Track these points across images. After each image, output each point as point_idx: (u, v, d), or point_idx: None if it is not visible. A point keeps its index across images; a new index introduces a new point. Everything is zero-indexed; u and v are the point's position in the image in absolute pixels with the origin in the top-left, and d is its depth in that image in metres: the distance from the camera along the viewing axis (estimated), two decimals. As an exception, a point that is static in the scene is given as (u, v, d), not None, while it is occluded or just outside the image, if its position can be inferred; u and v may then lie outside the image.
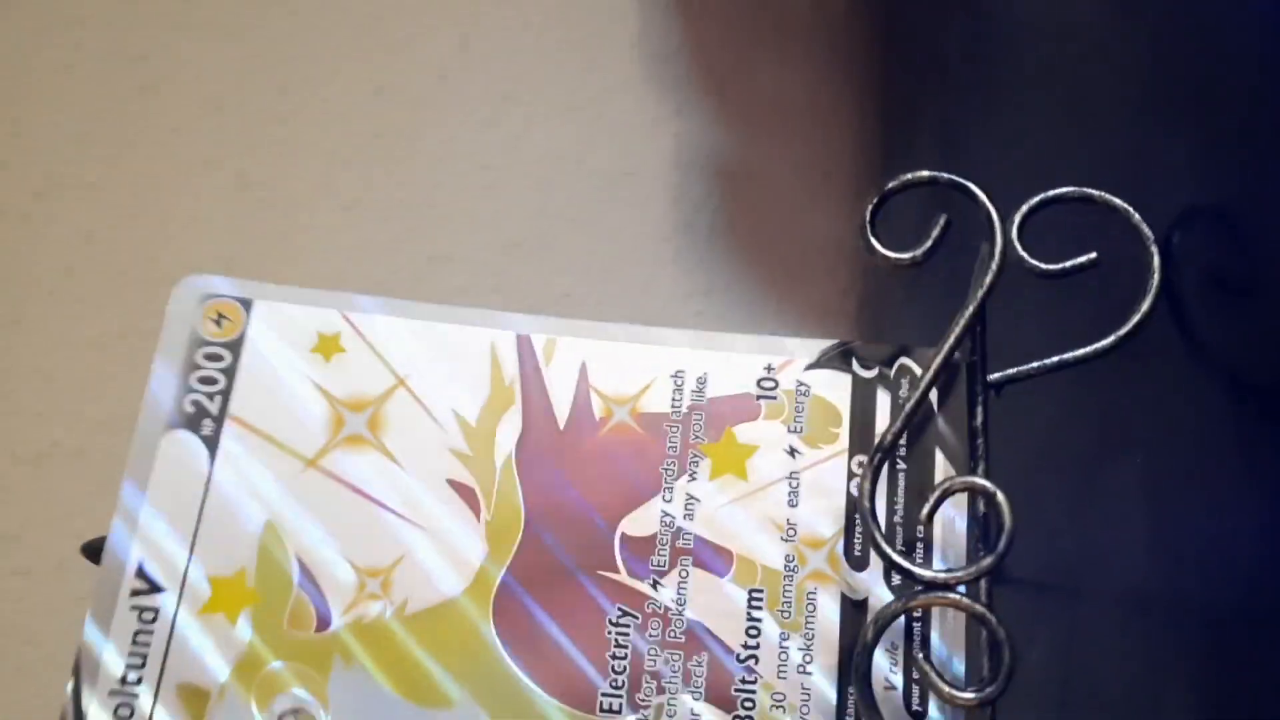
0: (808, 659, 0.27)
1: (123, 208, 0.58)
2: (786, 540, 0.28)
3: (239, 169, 0.59)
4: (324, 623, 0.27)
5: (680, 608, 0.28)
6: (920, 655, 0.25)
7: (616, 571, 0.28)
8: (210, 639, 0.26)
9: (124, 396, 0.53)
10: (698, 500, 0.29)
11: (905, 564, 0.25)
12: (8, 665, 0.46)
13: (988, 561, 0.24)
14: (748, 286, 0.57)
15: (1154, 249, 0.27)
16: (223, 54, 0.62)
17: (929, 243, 0.27)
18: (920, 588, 0.25)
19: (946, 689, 0.24)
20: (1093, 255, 0.27)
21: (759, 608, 0.28)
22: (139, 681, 0.26)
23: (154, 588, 0.27)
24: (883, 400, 0.29)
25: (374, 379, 0.29)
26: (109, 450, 0.51)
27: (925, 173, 0.27)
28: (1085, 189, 0.27)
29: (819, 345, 0.30)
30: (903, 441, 0.29)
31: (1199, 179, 0.27)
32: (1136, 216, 0.27)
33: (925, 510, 0.25)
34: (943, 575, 0.25)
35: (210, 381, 0.29)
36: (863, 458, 0.29)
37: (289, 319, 0.29)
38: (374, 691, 0.26)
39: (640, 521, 0.28)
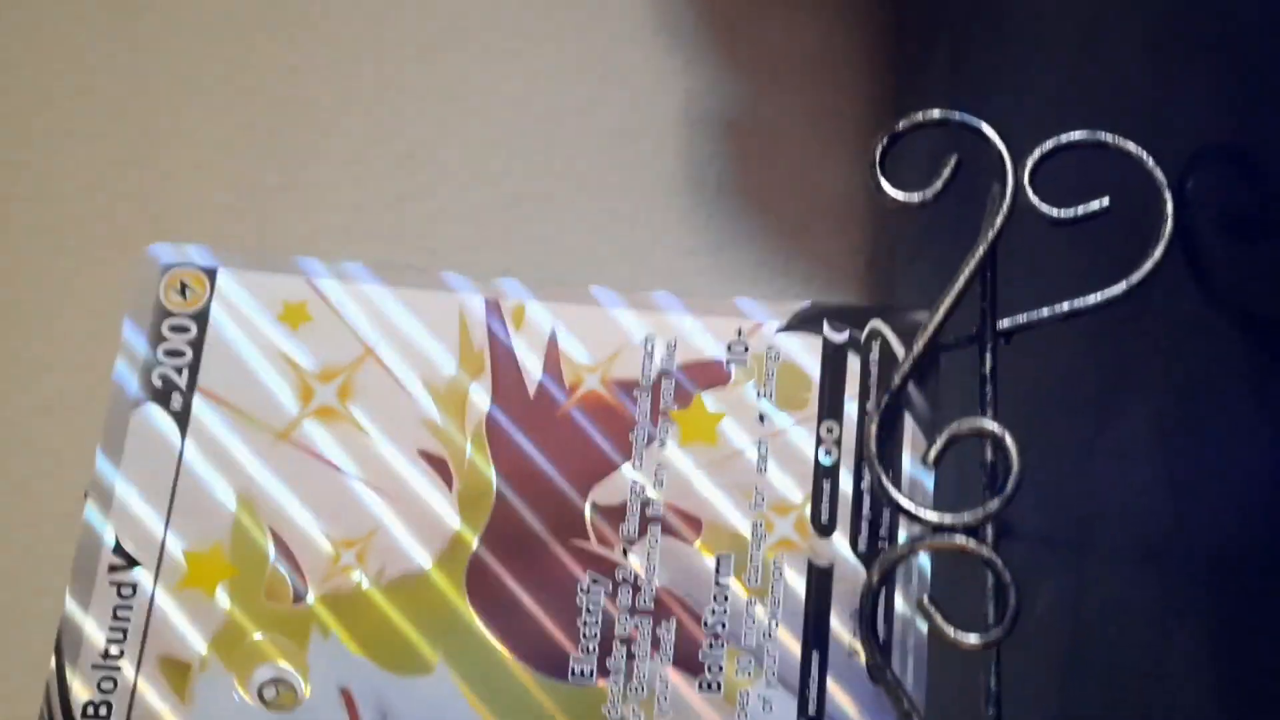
0: (774, 624, 0.28)
1: (102, 166, 0.57)
2: (755, 507, 0.29)
3: (239, 122, 0.57)
4: (300, 595, 0.27)
5: (650, 575, 0.28)
6: (925, 598, 0.25)
7: (587, 540, 0.28)
8: (188, 613, 0.27)
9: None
10: (667, 467, 0.29)
11: (913, 508, 0.25)
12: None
13: (995, 504, 0.24)
14: (755, 243, 0.56)
15: (1167, 194, 0.26)
16: (228, 9, 0.59)
17: (939, 183, 0.26)
18: (925, 531, 0.25)
19: (952, 631, 0.24)
20: (1105, 202, 0.27)
21: (726, 574, 0.28)
22: (120, 655, 0.27)
23: (131, 563, 0.27)
24: (853, 365, 0.29)
25: (343, 348, 0.29)
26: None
27: (936, 112, 0.26)
28: (1098, 133, 0.26)
29: (790, 308, 0.30)
30: (870, 405, 0.29)
31: (1214, 120, 0.26)
32: (1150, 162, 0.26)
33: (933, 453, 0.25)
34: (949, 518, 0.25)
35: (177, 354, 0.29)
36: (832, 423, 0.29)
37: (254, 287, 0.29)
38: (351, 661, 0.27)
39: (610, 490, 0.29)
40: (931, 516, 0.24)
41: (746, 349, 0.30)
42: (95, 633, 0.27)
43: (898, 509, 0.26)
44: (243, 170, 0.57)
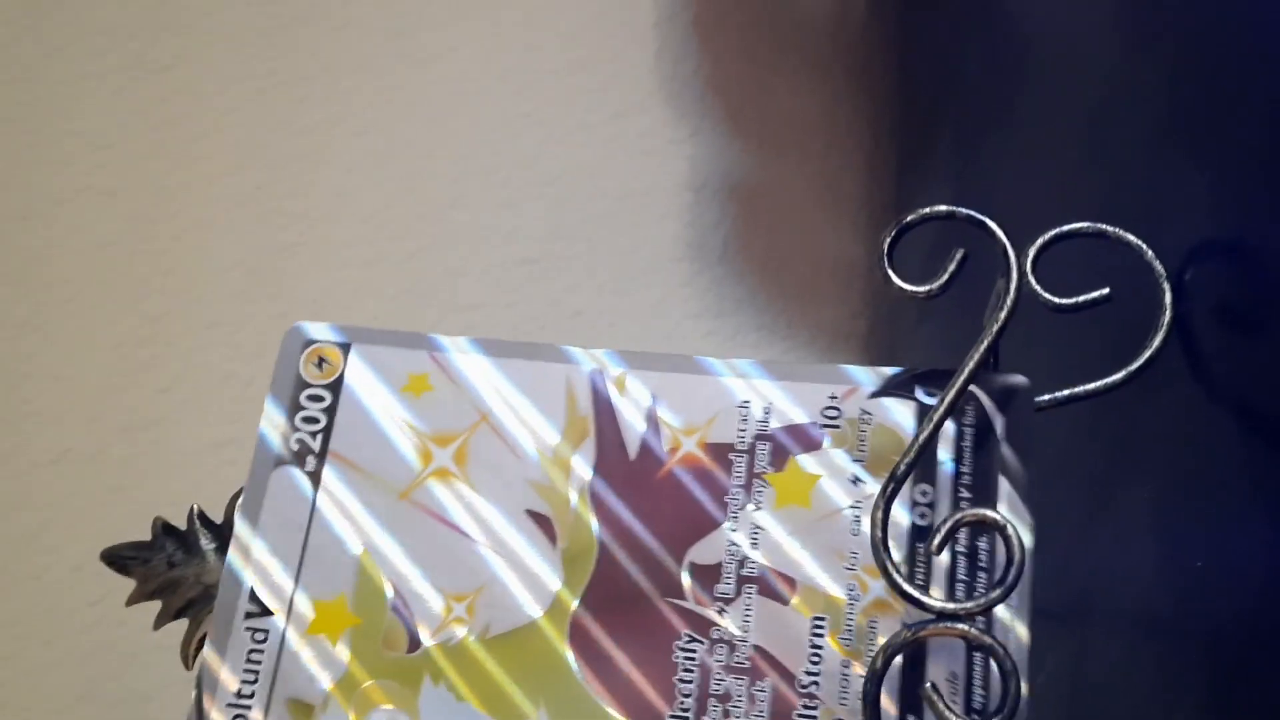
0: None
1: (140, 216, 0.62)
2: (849, 569, 0.29)
3: (256, 180, 0.62)
4: (414, 644, 0.29)
5: (745, 634, 0.29)
6: (928, 685, 0.25)
7: (684, 598, 0.29)
8: (314, 658, 0.29)
9: (138, 403, 0.57)
10: (762, 529, 0.30)
11: (914, 593, 0.25)
12: (21, 665, 0.51)
13: (996, 595, 0.25)
14: (759, 308, 0.57)
15: (1166, 285, 0.26)
16: (244, 68, 0.65)
17: (945, 277, 0.27)
18: (930, 618, 0.25)
19: (953, 718, 0.24)
20: (1106, 291, 0.27)
21: (821, 635, 0.28)
22: (252, 696, 0.29)
23: (265, 611, 0.30)
24: (946, 428, 0.30)
25: (459, 415, 0.31)
26: (123, 456, 0.55)
27: (943, 207, 0.27)
28: (1099, 224, 0.27)
29: (884, 373, 0.30)
30: (968, 470, 0.29)
31: (1215, 212, 0.26)
32: (1150, 254, 0.26)
33: (935, 542, 0.26)
34: (951, 606, 0.25)
35: (313, 421, 0.31)
36: (926, 486, 0.29)
37: (382, 360, 0.32)
38: (459, 707, 0.29)
39: (707, 550, 0.30)
40: (934, 604, 0.25)
41: (840, 413, 0.30)
42: (230, 675, 0.29)
43: (900, 592, 0.26)
44: (252, 222, 0.62)
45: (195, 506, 0.32)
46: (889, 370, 0.30)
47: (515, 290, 0.59)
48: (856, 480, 0.30)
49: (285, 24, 0.65)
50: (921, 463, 0.30)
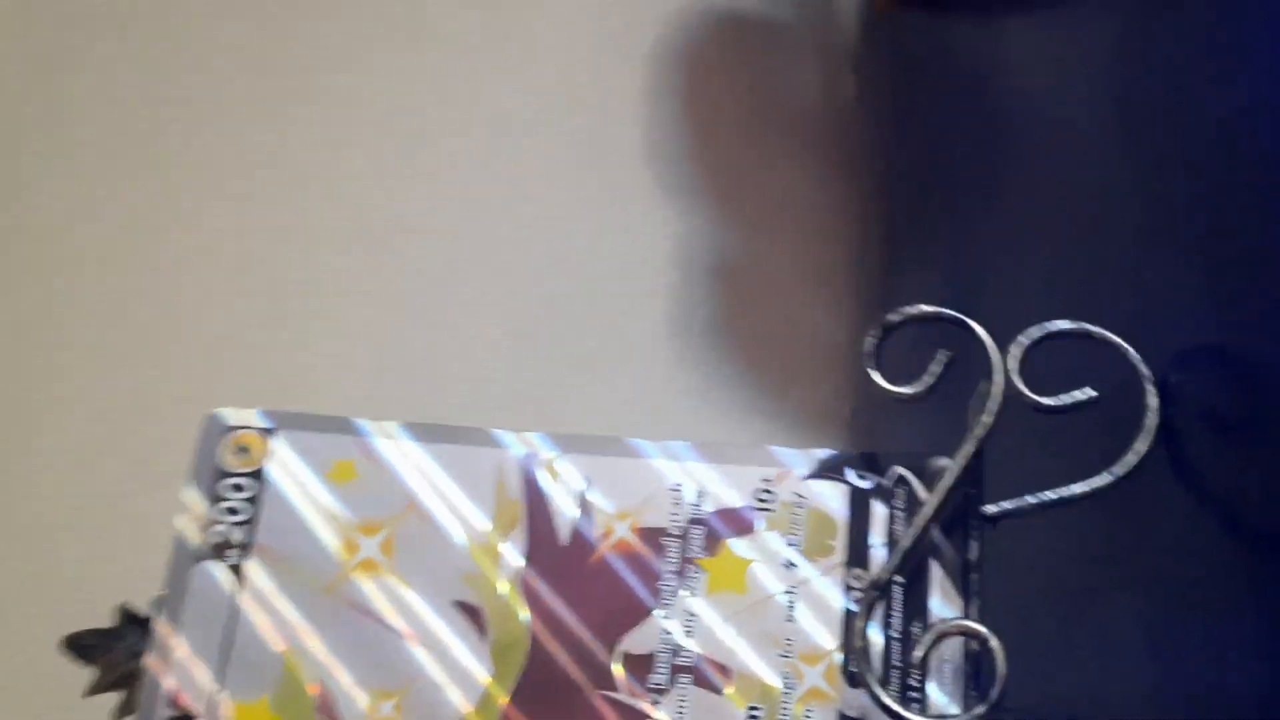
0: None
1: (129, 287, 0.61)
2: (784, 656, 0.29)
3: (244, 253, 0.61)
4: (341, 745, 0.28)
5: (679, 725, 0.28)
6: None
7: (617, 690, 0.29)
8: (237, 763, 0.28)
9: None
10: (696, 616, 0.29)
11: (902, 712, 0.25)
12: None
13: (980, 709, 0.25)
14: (743, 388, 0.57)
15: (1152, 389, 0.26)
16: (232, 141, 0.64)
17: (930, 380, 0.27)
18: None
19: None
20: (1092, 393, 0.27)
21: (757, 725, 0.28)
22: (173, 805, 0.28)
23: (186, 716, 0.29)
24: (879, 511, 0.29)
25: (386, 503, 0.31)
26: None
27: (927, 308, 0.27)
28: (1084, 325, 0.27)
29: (816, 456, 0.30)
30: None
31: (1200, 317, 0.26)
32: (1135, 355, 0.26)
33: (919, 654, 0.26)
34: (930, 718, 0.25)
35: (234, 512, 0.30)
36: (860, 570, 0.29)
37: (306, 448, 0.31)
38: (388, 812, 0.28)
39: (640, 639, 0.29)
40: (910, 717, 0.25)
41: (774, 496, 0.30)
42: (151, 782, 0.28)
43: (889, 713, 0.26)
44: (239, 296, 0.61)
45: (160, 594, 0.30)
46: (821, 452, 0.30)
47: (500, 367, 0.59)
48: (790, 565, 0.29)
49: (277, 99, 0.65)
50: (856, 546, 0.29)
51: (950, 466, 0.26)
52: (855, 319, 0.58)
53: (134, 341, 0.61)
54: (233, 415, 0.32)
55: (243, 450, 0.31)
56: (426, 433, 0.31)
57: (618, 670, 0.29)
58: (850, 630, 0.28)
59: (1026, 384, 0.27)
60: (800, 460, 0.30)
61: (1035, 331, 0.28)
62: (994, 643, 0.24)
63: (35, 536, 0.56)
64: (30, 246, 0.63)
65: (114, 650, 0.31)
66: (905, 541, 0.26)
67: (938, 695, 0.27)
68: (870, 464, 0.30)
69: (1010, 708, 0.27)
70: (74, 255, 0.63)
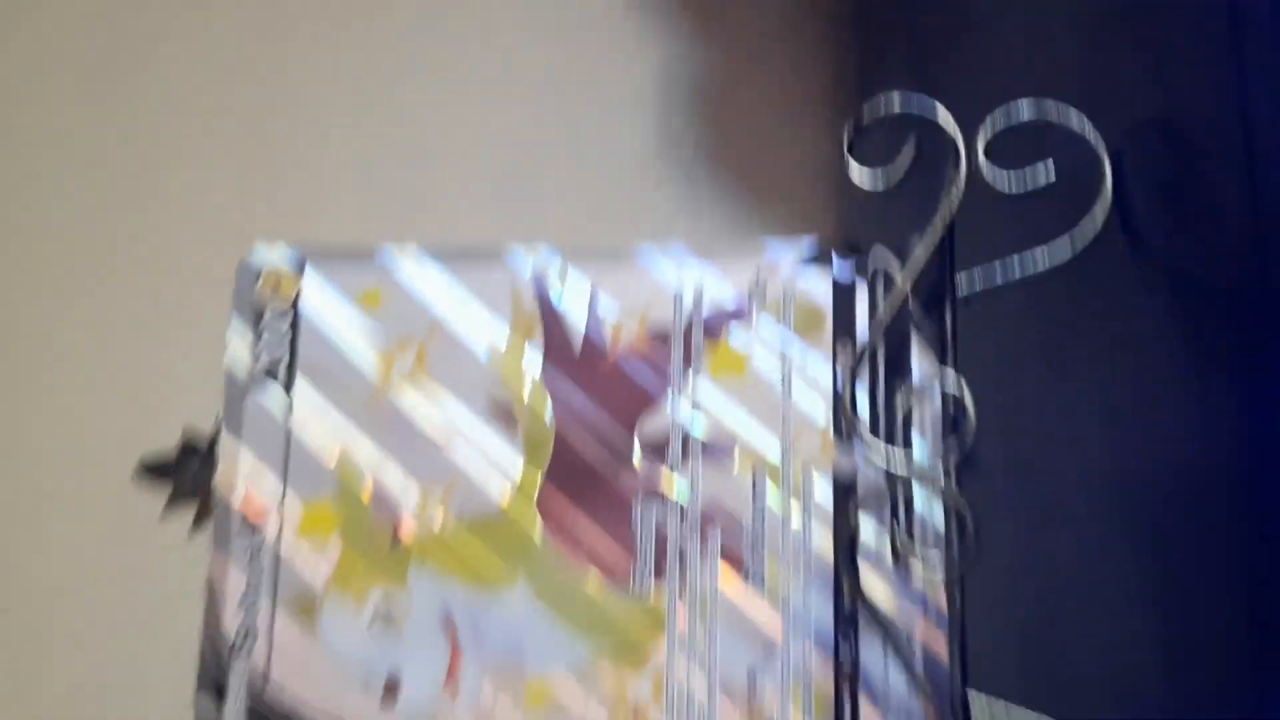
0: (806, 528, 0.32)
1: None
2: (783, 428, 0.32)
3: (239, 116, 0.63)
4: (398, 533, 0.32)
5: (695, 495, 0.32)
6: (903, 527, 0.29)
7: (636, 468, 0.32)
8: (307, 555, 0.32)
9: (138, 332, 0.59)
10: (704, 400, 0.33)
11: (884, 459, 0.29)
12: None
13: (954, 454, 0.28)
14: (732, 204, 0.59)
15: (1107, 165, 0.29)
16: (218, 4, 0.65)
17: (900, 170, 0.29)
18: (883, 475, 0.29)
19: (920, 553, 0.28)
20: (1052, 176, 0.29)
21: (762, 489, 0.32)
22: (257, 594, 0.32)
23: (258, 517, 0.32)
24: (861, 294, 0.33)
25: (415, 323, 0.34)
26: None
27: (897, 104, 0.29)
28: (1044, 111, 0.29)
29: (803, 246, 0.33)
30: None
31: (1148, 97, 0.28)
32: (1092, 135, 0.28)
33: (902, 412, 0.29)
34: (919, 471, 0.28)
35: (278, 340, 0.34)
36: (846, 343, 0.32)
37: (336, 277, 0.34)
38: (443, 583, 0.32)
39: (654, 423, 0.33)
40: (900, 465, 0.28)
41: (765, 288, 0.33)
42: (235, 579, 0.32)
43: (874, 461, 0.29)
44: (239, 155, 0.63)
45: (218, 414, 0.33)
46: (807, 243, 0.33)
47: (499, 198, 0.61)
48: (783, 346, 0.33)
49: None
50: (841, 327, 0.33)
51: (920, 245, 0.29)
52: (835, 131, 0.60)
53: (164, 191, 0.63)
54: (265, 252, 0.34)
55: (277, 285, 0.34)
56: (444, 254, 0.34)
57: (636, 451, 0.32)
58: (839, 398, 0.31)
59: (992, 171, 0.29)
60: (788, 251, 0.33)
61: (999, 116, 0.30)
62: (967, 399, 0.28)
63: (104, 367, 0.60)
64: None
65: (183, 469, 0.34)
66: (884, 315, 0.30)
67: (919, 449, 0.31)
68: (853, 251, 0.33)
69: (980, 461, 0.31)
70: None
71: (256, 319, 0.34)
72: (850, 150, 0.29)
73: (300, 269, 0.34)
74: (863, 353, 0.30)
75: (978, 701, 0.30)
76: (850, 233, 0.57)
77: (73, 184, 0.64)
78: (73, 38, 0.65)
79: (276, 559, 0.32)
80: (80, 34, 0.66)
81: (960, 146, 0.29)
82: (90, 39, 0.65)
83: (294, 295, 0.34)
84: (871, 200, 0.31)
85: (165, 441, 0.34)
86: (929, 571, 0.30)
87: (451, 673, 0.32)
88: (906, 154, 0.29)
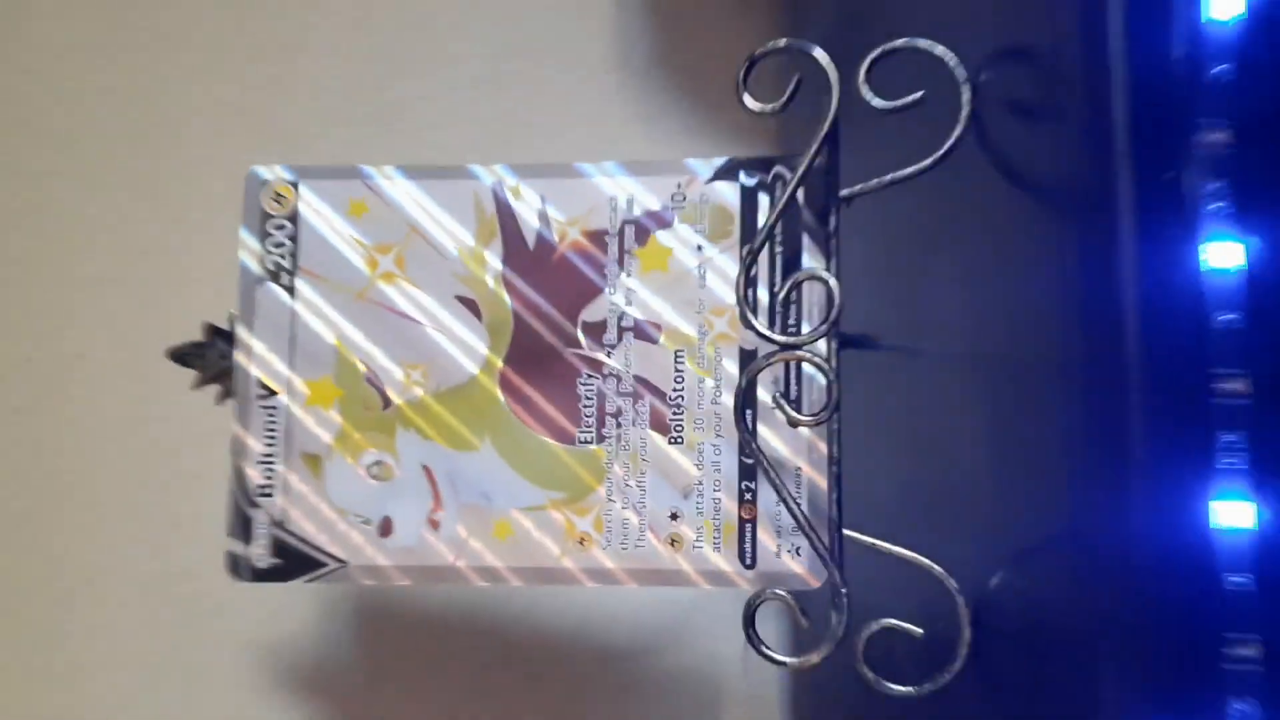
0: (718, 394, 0.39)
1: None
2: (699, 313, 0.39)
3: (219, 37, 0.68)
4: (386, 404, 0.39)
5: (627, 368, 0.39)
6: (777, 394, 0.36)
7: (581, 348, 0.39)
8: (314, 422, 0.40)
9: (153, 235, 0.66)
10: (634, 290, 0.39)
11: (764, 331, 0.36)
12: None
13: (821, 328, 0.35)
14: (682, 110, 0.64)
15: (965, 87, 0.35)
16: None
17: (784, 99, 0.36)
18: (776, 348, 0.36)
19: (792, 414, 0.35)
20: (920, 94, 0.35)
21: (682, 362, 0.39)
22: (274, 454, 0.39)
23: (271, 393, 0.40)
24: (764, 201, 0.39)
25: (394, 229, 0.40)
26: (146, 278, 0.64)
27: (782, 41, 0.35)
28: (914, 40, 0.35)
29: (715, 163, 0.39)
30: (779, 233, 0.39)
31: (1006, 27, 0.34)
32: (953, 59, 0.35)
33: (781, 294, 0.36)
34: (789, 339, 0.35)
35: (280, 245, 0.40)
36: (750, 245, 0.39)
37: (327, 191, 0.40)
38: (424, 443, 0.39)
39: (594, 310, 0.40)
40: (779, 337, 0.35)
41: (685, 197, 0.39)
42: (256, 441, 0.39)
43: (756, 333, 0.36)
44: (221, 70, 0.68)
45: (232, 312, 0.40)
46: (719, 160, 0.39)
47: (470, 106, 0.67)
48: (700, 247, 0.39)
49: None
50: (747, 229, 0.39)
51: (804, 156, 0.36)
52: (780, 37, 0.65)
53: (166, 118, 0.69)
54: (266, 171, 0.41)
55: (279, 198, 0.40)
56: (417, 172, 0.40)
57: (580, 334, 0.39)
58: (739, 287, 0.38)
59: (870, 92, 0.35)
60: (704, 167, 0.39)
61: (875, 52, 0.36)
62: (833, 283, 0.35)
63: (135, 269, 0.67)
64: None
65: (207, 355, 0.41)
66: (772, 215, 0.36)
67: (806, 328, 0.38)
68: (758, 166, 0.39)
69: (847, 333, 0.38)
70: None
71: (262, 226, 0.40)
72: (745, 84, 0.36)
73: (295, 186, 0.40)
74: (759, 247, 0.36)
75: (854, 539, 0.37)
76: (787, 135, 0.63)
77: (88, 118, 0.69)
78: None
79: (288, 426, 0.40)
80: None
81: (832, 77, 0.35)
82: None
83: (292, 207, 0.40)
84: (802, 109, 0.37)
85: (188, 334, 0.41)
86: (814, 429, 0.37)
87: (433, 514, 0.39)
88: (791, 86, 0.35)
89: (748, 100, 0.36)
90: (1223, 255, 0.30)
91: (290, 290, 0.40)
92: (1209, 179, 0.30)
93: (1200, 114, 0.30)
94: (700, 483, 0.39)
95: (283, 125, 0.68)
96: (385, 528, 0.39)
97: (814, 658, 0.35)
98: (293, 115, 0.68)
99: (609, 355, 0.39)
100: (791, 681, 0.65)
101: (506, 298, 0.40)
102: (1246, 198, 0.30)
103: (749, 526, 0.39)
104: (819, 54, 0.35)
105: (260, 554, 0.39)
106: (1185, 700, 0.30)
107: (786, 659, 0.36)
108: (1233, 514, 0.30)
